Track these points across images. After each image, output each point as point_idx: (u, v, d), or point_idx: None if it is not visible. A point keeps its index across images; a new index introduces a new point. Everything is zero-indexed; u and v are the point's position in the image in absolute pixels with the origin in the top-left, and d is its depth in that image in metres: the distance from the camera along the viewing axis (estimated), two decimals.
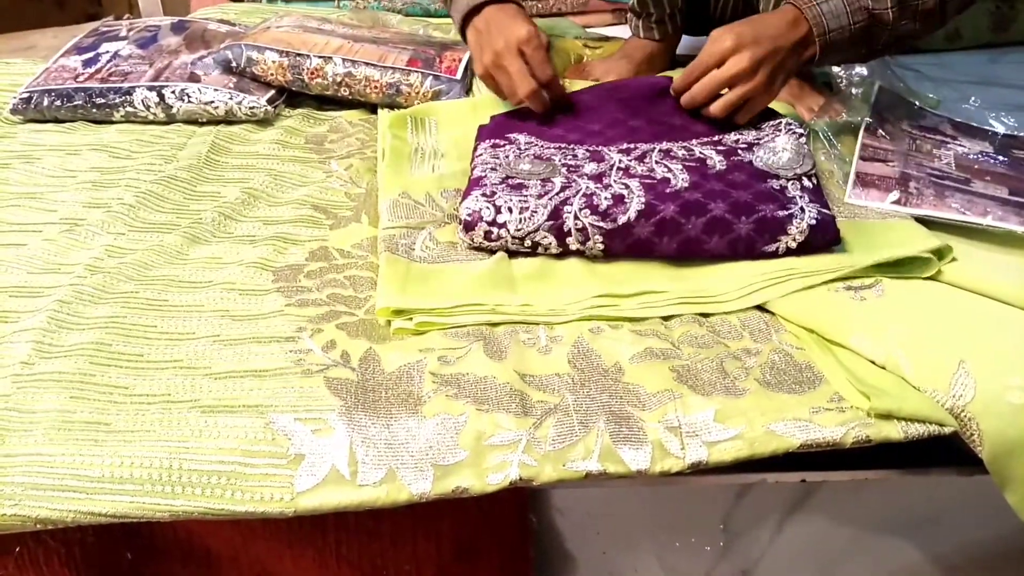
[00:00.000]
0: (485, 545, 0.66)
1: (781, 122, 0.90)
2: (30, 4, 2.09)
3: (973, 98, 1.04)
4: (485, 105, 1.05)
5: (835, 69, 1.08)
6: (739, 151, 0.86)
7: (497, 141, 0.92)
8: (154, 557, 0.64)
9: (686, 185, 0.80)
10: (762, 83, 0.85)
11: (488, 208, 0.80)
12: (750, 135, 0.89)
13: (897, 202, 0.84)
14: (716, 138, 0.89)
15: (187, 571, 0.65)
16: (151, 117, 1.11)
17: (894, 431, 0.63)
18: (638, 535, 0.70)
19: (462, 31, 1.02)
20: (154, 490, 0.59)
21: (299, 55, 1.14)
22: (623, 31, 1.37)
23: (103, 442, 0.61)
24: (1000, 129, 0.98)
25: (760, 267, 0.77)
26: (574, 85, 1.13)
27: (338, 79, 1.14)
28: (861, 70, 1.05)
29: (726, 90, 0.87)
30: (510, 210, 0.79)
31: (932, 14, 0.89)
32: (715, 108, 0.88)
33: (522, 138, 0.92)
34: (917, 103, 1.02)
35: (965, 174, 0.88)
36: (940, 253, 0.77)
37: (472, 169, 0.89)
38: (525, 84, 0.92)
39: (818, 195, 0.81)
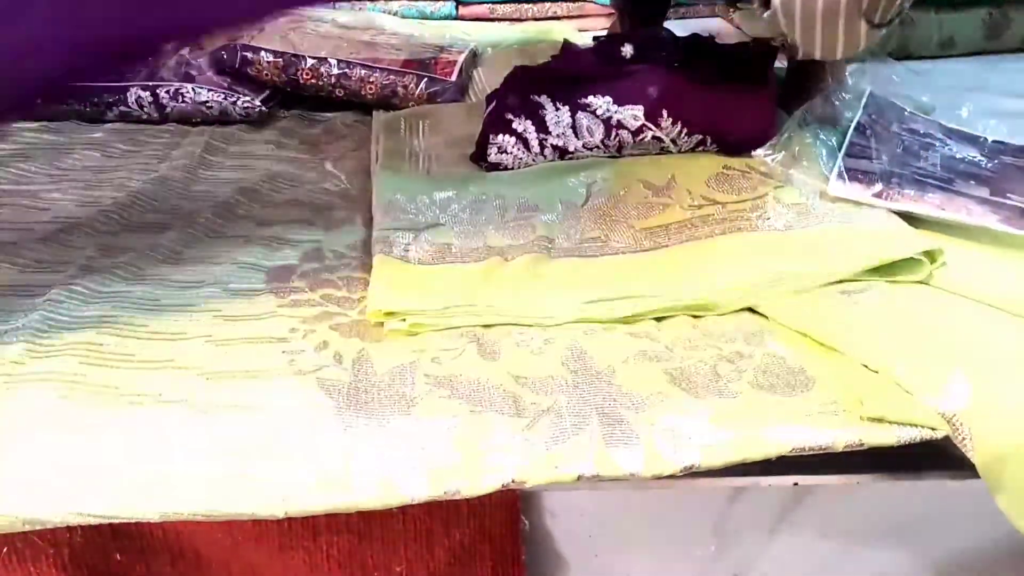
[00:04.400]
0: (477, 548, 0.65)
1: None
2: None
3: (966, 104, 1.05)
4: (480, 108, 1.05)
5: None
6: None
7: None
8: (143, 558, 0.64)
9: None
10: None
11: None
12: None
13: (877, 195, 0.85)
14: None
15: (176, 572, 0.65)
16: (144, 116, 1.10)
17: (887, 435, 0.63)
18: (631, 538, 0.70)
19: None
20: (144, 490, 0.58)
21: (294, 56, 1.14)
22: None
23: (94, 442, 0.61)
24: (991, 136, 0.99)
25: (752, 273, 0.78)
26: None
27: (333, 80, 1.14)
28: (855, 70, 1.06)
29: None
30: None
31: None
32: None
33: None
34: (908, 109, 1.03)
35: (949, 174, 0.89)
36: (932, 257, 0.77)
37: None
38: None
39: None
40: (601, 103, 0.96)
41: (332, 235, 0.88)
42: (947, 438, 0.63)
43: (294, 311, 0.75)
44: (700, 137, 0.97)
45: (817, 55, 0.98)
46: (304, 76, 1.13)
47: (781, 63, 1.11)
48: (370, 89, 1.13)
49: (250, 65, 1.13)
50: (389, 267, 0.78)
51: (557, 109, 0.96)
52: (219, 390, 0.66)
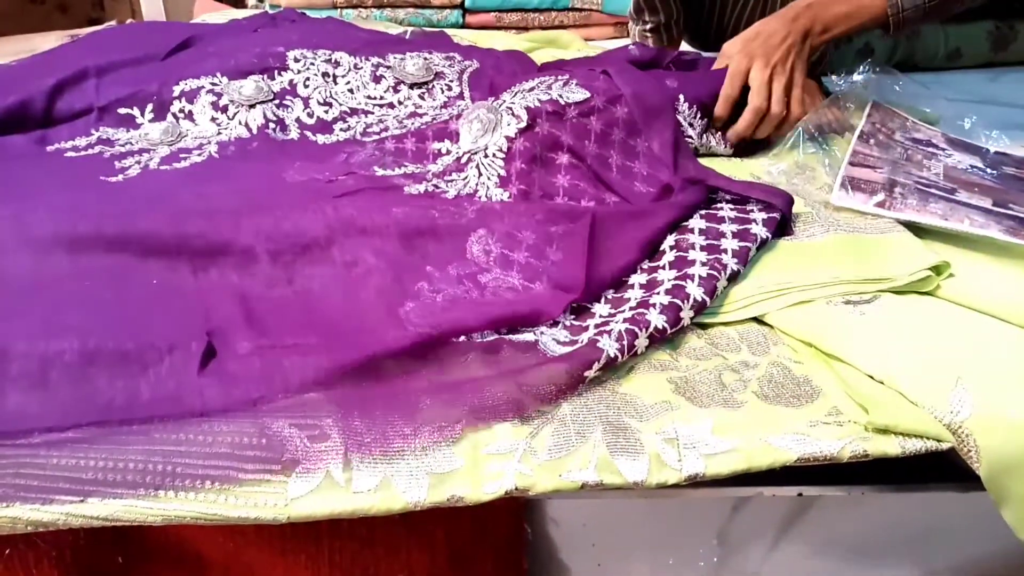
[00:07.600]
0: (479, 555, 0.65)
1: None
2: (33, 8, 2.09)
3: (968, 116, 1.05)
4: None
5: (832, 78, 1.10)
6: None
7: None
8: (145, 561, 0.64)
9: None
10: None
11: None
12: None
13: (880, 204, 0.85)
14: None
15: None
16: None
17: (892, 446, 0.63)
18: (633, 547, 0.70)
19: None
20: (147, 494, 0.58)
21: None
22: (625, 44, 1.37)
23: (95, 444, 0.61)
24: (993, 147, 0.99)
25: (757, 281, 0.78)
26: None
27: None
28: (858, 81, 1.06)
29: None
30: None
31: None
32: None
33: None
34: (911, 119, 1.03)
35: (951, 184, 0.89)
36: (938, 270, 0.77)
37: None
38: None
39: None
40: None
41: None
42: (952, 450, 0.63)
43: None
44: None
45: None
46: None
47: None
48: None
49: None
50: None
51: None
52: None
